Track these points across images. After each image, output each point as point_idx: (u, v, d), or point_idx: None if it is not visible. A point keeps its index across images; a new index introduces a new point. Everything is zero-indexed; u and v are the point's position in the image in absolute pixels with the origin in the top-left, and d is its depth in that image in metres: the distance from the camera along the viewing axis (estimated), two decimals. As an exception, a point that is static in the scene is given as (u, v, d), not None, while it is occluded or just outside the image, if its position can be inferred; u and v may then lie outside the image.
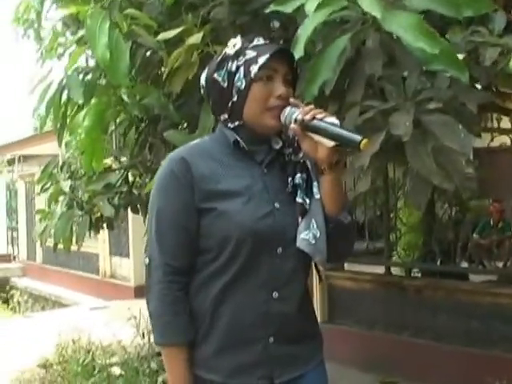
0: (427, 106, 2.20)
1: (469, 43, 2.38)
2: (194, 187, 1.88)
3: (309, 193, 1.92)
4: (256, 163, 1.94)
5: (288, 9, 2.13)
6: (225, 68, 1.93)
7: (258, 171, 1.93)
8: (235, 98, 1.90)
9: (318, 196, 1.90)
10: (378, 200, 6.34)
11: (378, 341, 5.64)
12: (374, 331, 5.71)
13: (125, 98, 3.46)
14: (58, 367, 5.86)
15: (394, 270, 6.10)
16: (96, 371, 5.06)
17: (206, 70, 2.00)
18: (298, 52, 2.04)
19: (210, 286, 1.90)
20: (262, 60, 1.86)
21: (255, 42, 1.93)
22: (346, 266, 6.44)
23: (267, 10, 2.17)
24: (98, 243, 11.68)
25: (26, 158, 16.10)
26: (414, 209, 6.38)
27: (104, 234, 9.94)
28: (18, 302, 12.57)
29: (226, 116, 1.95)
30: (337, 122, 1.79)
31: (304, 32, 2.05)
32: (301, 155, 1.93)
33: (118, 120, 3.81)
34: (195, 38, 2.41)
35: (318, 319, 5.72)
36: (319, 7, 2.01)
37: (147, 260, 1.94)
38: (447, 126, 2.11)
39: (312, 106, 1.85)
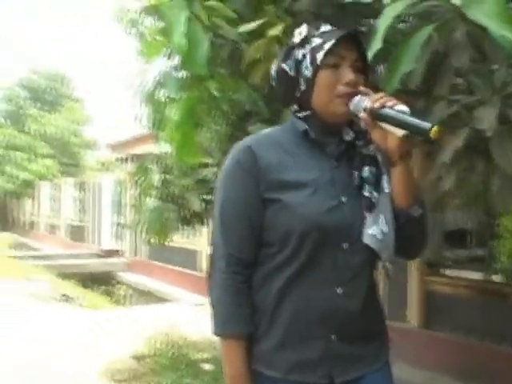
0: (515, 100, 2.10)
1: None
2: (260, 177, 1.85)
3: (377, 187, 1.86)
4: (326, 155, 1.89)
5: (367, -1, 2.09)
6: (292, 57, 1.90)
7: (328, 163, 1.88)
8: (303, 87, 1.87)
9: (387, 190, 1.84)
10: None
11: (475, 349, 5.43)
12: (471, 339, 5.51)
13: (215, 92, 3.49)
14: (150, 360, 6.03)
15: (495, 278, 5.87)
16: (184, 365, 5.14)
17: (275, 61, 1.98)
18: (376, 43, 1.98)
19: (273, 280, 1.86)
20: (327, 46, 1.81)
21: (322, 29, 1.89)
22: (446, 271, 6.27)
23: (347, 1, 2.12)
24: (199, 240, 11.86)
25: (138, 157, 16.59)
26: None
27: (204, 230, 10.09)
28: (124, 296, 12.98)
29: (296, 106, 1.92)
30: (407, 109, 1.71)
31: (383, 22, 1.99)
32: (372, 148, 1.87)
33: (209, 116, 3.86)
34: (276, 30, 2.40)
35: (415, 324, 5.62)
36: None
37: (211, 249, 1.94)
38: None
39: (382, 94, 1.78)
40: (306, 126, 1.89)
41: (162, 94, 4.32)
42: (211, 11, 2.56)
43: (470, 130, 2.11)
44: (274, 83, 1.99)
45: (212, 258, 1.93)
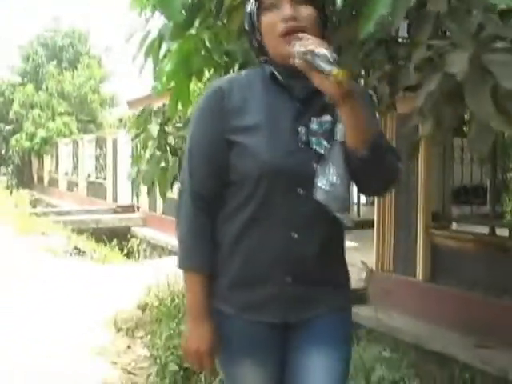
0: (493, 45, 2.07)
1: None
2: (224, 119, 1.88)
3: (331, 137, 1.83)
4: (292, 99, 1.88)
5: None
6: (245, 10, 1.94)
7: (292, 107, 1.87)
8: (257, 36, 1.89)
9: (339, 139, 1.81)
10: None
11: (478, 303, 5.45)
12: (474, 293, 5.52)
13: (207, 43, 3.48)
14: (154, 309, 6.16)
15: (500, 232, 5.84)
16: (182, 314, 5.23)
17: None
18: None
19: (233, 220, 1.91)
20: None
21: None
22: (452, 225, 6.26)
23: None
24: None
25: (155, 113, 16.55)
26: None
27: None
28: (138, 251, 13.12)
29: (261, 56, 1.93)
30: (323, 52, 1.66)
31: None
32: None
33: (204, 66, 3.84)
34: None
35: (419, 278, 5.63)
36: None
37: (179, 186, 2.00)
38: (507, 66, 1.97)
39: (310, 37, 1.73)
40: (273, 69, 1.89)
41: (163, 47, 4.28)
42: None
43: (444, 74, 2.08)
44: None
45: (179, 195, 1.98)
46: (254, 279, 1.89)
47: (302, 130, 1.84)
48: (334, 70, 1.64)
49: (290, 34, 1.79)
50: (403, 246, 6.27)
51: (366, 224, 7.55)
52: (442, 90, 2.18)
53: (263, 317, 1.90)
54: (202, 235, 1.92)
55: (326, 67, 1.65)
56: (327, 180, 1.80)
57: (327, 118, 1.84)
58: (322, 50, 1.67)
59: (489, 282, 5.42)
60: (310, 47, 1.68)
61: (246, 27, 1.94)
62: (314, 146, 1.82)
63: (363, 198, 11.32)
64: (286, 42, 1.78)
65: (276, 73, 1.89)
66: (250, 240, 1.88)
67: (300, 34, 1.76)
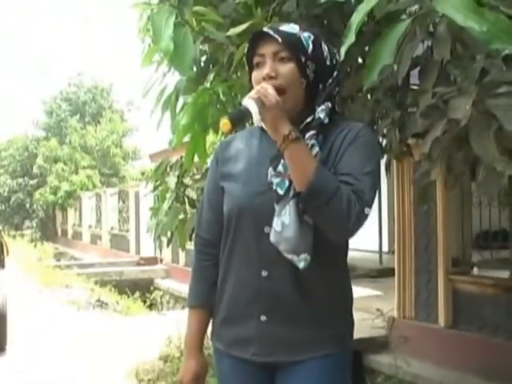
0: (496, 89, 2.11)
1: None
2: (219, 167, 2.07)
3: None
4: (275, 145, 1.92)
5: (343, -3, 2.13)
6: None
7: (273, 153, 1.92)
8: None
9: None
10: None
11: (500, 348, 5.38)
12: (497, 338, 5.46)
13: (222, 96, 3.56)
14: (176, 360, 6.16)
15: (520, 276, 5.79)
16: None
17: None
18: (350, 38, 2.02)
19: (221, 260, 2.04)
20: (245, 50, 1.99)
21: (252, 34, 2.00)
22: (474, 270, 6.22)
23: (322, 0, 2.17)
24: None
25: (173, 165, 16.70)
26: None
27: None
28: (161, 302, 13.13)
29: None
30: (244, 102, 1.78)
31: (355, 18, 2.03)
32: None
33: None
34: (264, 30, 2.45)
35: (441, 324, 5.57)
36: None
37: None
38: (511, 110, 2.01)
39: (256, 88, 1.83)
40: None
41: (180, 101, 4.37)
42: (200, 16, 2.64)
43: (449, 120, 2.13)
44: None
45: None
46: (237, 317, 1.99)
47: (270, 171, 1.91)
48: (222, 121, 1.75)
49: None
50: (424, 293, 6.23)
51: (388, 272, 7.52)
52: (449, 135, 2.23)
53: (246, 354, 1.98)
54: (198, 276, 2.10)
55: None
56: (281, 220, 1.84)
57: None
58: (244, 100, 1.79)
59: (511, 326, 5.35)
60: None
61: None
62: (275, 187, 1.87)
63: (385, 246, 11.26)
64: None
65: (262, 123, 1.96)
66: (232, 279, 2.00)
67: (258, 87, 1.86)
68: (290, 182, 1.84)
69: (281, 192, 1.85)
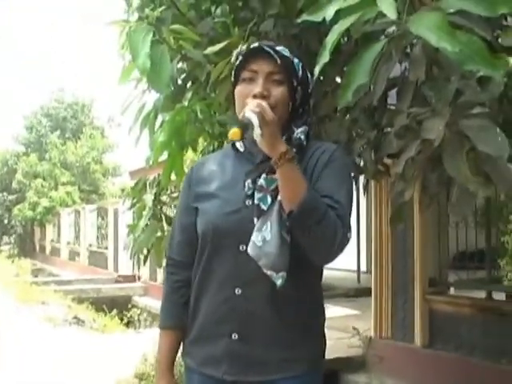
0: (470, 110, 2.13)
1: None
2: (191, 190, 2.08)
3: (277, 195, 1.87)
4: (251, 163, 1.97)
5: (319, 18, 2.13)
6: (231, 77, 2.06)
7: (248, 169, 1.97)
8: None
9: (280, 197, 1.85)
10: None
11: (476, 368, 5.40)
12: (473, 357, 5.48)
13: (199, 114, 3.56)
14: (151, 378, 6.12)
15: (497, 296, 5.83)
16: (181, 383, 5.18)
17: None
18: (324, 58, 2.02)
19: (193, 280, 2.05)
20: (237, 62, 1.97)
21: (248, 48, 2.01)
22: (450, 290, 6.26)
23: (299, 20, 2.18)
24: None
25: (151, 183, 16.66)
26: None
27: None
28: (138, 319, 13.06)
29: None
30: (247, 114, 1.77)
31: (330, 38, 2.04)
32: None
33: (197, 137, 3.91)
34: (240, 50, 2.47)
35: (417, 344, 5.58)
36: (345, 13, 2.01)
37: None
38: (483, 130, 2.03)
39: (253, 102, 1.83)
40: (236, 141, 2.01)
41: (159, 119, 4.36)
42: (177, 35, 2.65)
43: (423, 141, 2.15)
44: None
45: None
46: (209, 335, 1.99)
47: (248, 184, 1.92)
48: (231, 131, 1.74)
49: None
50: (401, 313, 6.24)
51: (366, 292, 7.53)
52: (424, 155, 2.24)
53: (216, 372, 1.97)
54: (169, 298, 2.11)
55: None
56: (262, 235, 1.84)
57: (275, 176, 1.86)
58: (247, 113, 1.77)
59: (487, 346, 5.38)
60: (245, 110, 1.80)
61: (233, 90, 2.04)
62: (257, 202, 1.87)
63: (363, 266, 11.29)
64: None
65: (239, 142, 2.02)
66: (205, 298, 2.00)
67: (248, 100, 1.86)
68: (272, 199, 1.85)
69: (264, 207, 1.85)
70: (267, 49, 1.93)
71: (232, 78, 2.02)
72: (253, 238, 1.85)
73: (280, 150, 1.78)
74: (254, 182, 1.91)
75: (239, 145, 2.04)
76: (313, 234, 1.78)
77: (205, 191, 2.03)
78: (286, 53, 1.98)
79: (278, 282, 1.84)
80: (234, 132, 1.73)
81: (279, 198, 1.84)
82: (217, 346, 1.96)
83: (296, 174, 1.81)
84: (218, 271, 1.96)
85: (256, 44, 1.98)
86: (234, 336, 1.93)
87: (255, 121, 1.75)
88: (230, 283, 1.93)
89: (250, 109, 1.78)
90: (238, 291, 1.92)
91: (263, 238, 1.83)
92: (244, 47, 2.03)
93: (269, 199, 1.86)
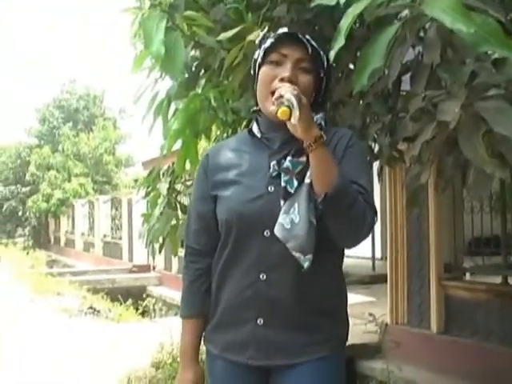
0: (485, 92, 2.12)
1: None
2: (209, 178, 2.06)
3: (301, 177, 1.88)
4: (270, 149, 1.99)
5: (332, 1, 2.11)
6: (252, 58, 2.03)
7: (267, 157, 1.98)
8: (255, 83, 2.01)
9: (307, 180, 1.86)
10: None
11: (492, 353, 5.38)
12: (489, 343, 5.46)
13: (213, 102, 3.55)
14: (168, 366, 6.16)
15: (512, 281, 5.80)
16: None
17: None
18: (339, 42, 2.01)
19: (217, 266, 2.04)
20: (267, 44, 1.94)
21: (278, 31, 1.98)
22: (466, 276, 6.23)
23: (312, 5, 2.17)
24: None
25: (165, 171, 16.65)
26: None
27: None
28: (153, 309, 13.12)
29: (255, 103, 2.03)
30: (287, 95, 1.76)
31: (344, 22, 2.03)
32: None
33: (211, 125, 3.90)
34: (254, 35, 2.46)
35: (433, 330, 5.57)
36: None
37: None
38: (499, 112, 2.02)
39: (284, 85, 1.84)
40: (253, 126, 2.04)
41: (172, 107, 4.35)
42: (191, 21, 2.65)
43: (438, 123, 2.14)
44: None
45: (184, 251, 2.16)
46: (232, 321, 2.00)
47: (274, 165, 1.93)
48: (279, 110, 1.74)
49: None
50: (416, 299, 6.24)
51: (381, 278, 7.53)
52: (440, 138, 2.23)
53: (241, 358, 1.99)
54: (192, 287, 2.09)
55: (275, 109, 1.77)
56: (290, 218, 1.85)
57: (302, 159, 1.89)
58: (287, 94, 1.76)
59: (503, 331, 5.36)
60: (281, 92, 1.78)
61: (251, 73, 2.05)
62: (284, 184, 1.88)
63: (378, 253, 11.28)
64: (272, 101, 1.84)
65: (255, 127, 2.03)
66: (228, 284, 2.01)
67: (278, 83, 1.88)
68: (299, 182, 1.87)
69: (291, 190, 1.87)
70: (300, 35, 1.95)
71: (258, 58, 1.99)
72: (280, 220, 1.86)
73: (314, 133, 1.78)
74: (279, 164, 1.92)
75: (256, 130, 2.04)
76: (346, 217, 1.81)
77: (224, 178, 2.02)
78: (315, 43, 1.98)
79: (305, 265, 1.86)
80: (283, 111, 1.73)
81: (307, 180, 1.85)
82: (241, 332, 1.97)
83: (329, 158, 1.82)
84: (242, 257, 1.96)
85: (286, 29, 1.98)
86: (260, 321, 1.94)
87: (295, 103, 1.75)
88: (254, 268, 1.94)
89: (287, 90, 1.78)
90: (262, 276, 1.93)
91: (291, 220, 1.84)
92: (266, 31, 2.02)
93: (295, 182, 1.87)
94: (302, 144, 1.83)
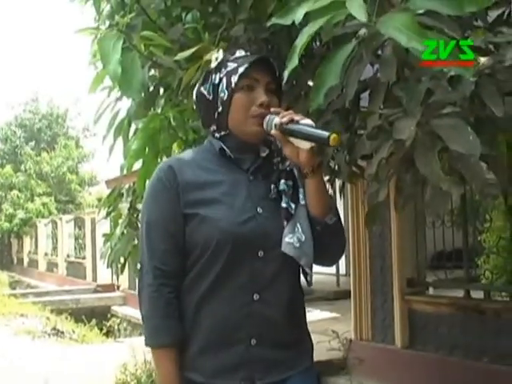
0: (441, 110, 2.14)
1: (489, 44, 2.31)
2: (180, 194, 1.95)
3: (294, 199, 1.96)
4: (241, 170, 2.01)
5: (288, 21, 2.12)
6: (209, 81, 2.04)
7: (243, 178, 2.00)
8: (220, 109, 1.99)
9: (303, 202, 1.95)
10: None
11: (456, 367, 5.41)
12: (453, 357, 5.49)
13: (172, 121, 3.54)
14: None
15: (476, 294, 5.85)
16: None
17: (196, 86, 2.11)
18: (293, 62, 2.02)
19: (195, 288, 1.96)
20: (241, 70, 1.95)
21: (237, 54, 2.03)
22: (429, 290, 6.27)
23: (269, 24, 2.18)
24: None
25: (126, 191, 16.60)
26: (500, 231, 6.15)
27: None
28: (118, 329, 12.99)
29: (214, 127, 2.04)
30: (311, 122, 1.86)
31: (299, 41, 2.04)
32: (287, 163, 1.99)
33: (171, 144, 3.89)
34: (210, 55, 2.46)
35: (398, 345, 5.60)
36: (314, 15, 2.00)
37: (139, 265, 2.04)
38: (455, 130, 2.04)
39: (290, 111, 1.92)
40: (222, 145, 2.01)
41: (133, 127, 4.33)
42: (148, 41, 2.65)
43: (395, 141, 2.15)
44: (195, 106, 2.12)
45: (140, 274, 2.02)
46: (222, 344, 1.93)
47: (273, 188, 1.98)
48: (333, 135, 1.81)
49: (261, 116, 1.95)
50: (380, 314, 6.26)
51: (346, 294, 7.54)
52: (397, 156, 2.25)
53: (234, 381, 1.93)
54: (167, 312, 1.95)
55: (320, 133, 1.84)
56: (296, 237, 1.90)
57: (290, 182, 1.97)
58: (307, 120, 1.88)
59: (467, 345, 5.40)
60: (296, 118, 1.88)
61: (208, 97, 2.02)
62: (285, 205, 1.94)
63: (342, 269, 11.31)
64: (256, 123, 1.95)
65: (225, 148, 2.01)
66: (214, 305, 1.93)
67: (273, 109, 1.95)
68: (295, 203, 1.95)
69: (292, 211, 1.94)
70: (270, 59, 2.03)
71: (218, 81, 2.00)
72: (287, 240, 1.90)
73: (317, 160, 1.91)
74: (276, 186, 1.98)
75: (228, 150, 2.02)
76: (340, 239, 2.04)
77: (202, 197, 1.94)
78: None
79: (311, 280, 1.97)
80: (335, 137, 1.81)
81: (302, 202, 1.95)
82: (233, 354, 1.92)
83: (324, 183, 1.97)
84: (233, 278, 1.92)
85: (254, 55, 2.04)
86: (253, 341, 1.93)
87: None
88: (247, 289, 1.93)
89: (301, 117, 1.90)
90: (255, 296, 1.92)
91: (298, 239, 1.90)
92: (220, 53, 2.03)
93: (291, 203, 1.95)
94: (276, 167, 1.98)
